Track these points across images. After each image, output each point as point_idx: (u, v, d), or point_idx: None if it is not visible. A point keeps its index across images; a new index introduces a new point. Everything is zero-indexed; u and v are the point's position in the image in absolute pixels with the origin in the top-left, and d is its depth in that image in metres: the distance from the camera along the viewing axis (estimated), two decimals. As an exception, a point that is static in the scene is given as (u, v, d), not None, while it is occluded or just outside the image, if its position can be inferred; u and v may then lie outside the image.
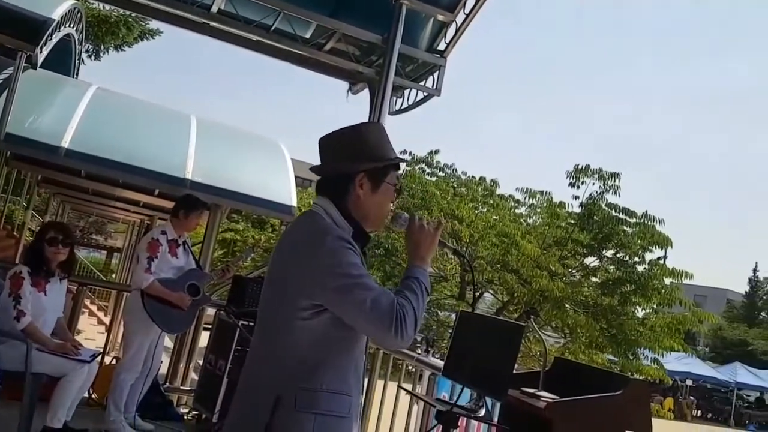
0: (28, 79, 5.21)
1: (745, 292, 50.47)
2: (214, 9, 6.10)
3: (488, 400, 3.20)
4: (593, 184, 14.52)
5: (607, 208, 14.28)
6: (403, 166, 2.05)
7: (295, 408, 1.76)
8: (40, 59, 5.00)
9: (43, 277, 4.18)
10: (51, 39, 5.15)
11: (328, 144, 1.98)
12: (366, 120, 6.15)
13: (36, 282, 4.13)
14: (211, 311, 6.35)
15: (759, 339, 40.20)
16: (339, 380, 1.82)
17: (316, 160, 2.01)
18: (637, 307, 14.41)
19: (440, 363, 4.30)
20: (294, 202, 6.62)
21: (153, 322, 4.65)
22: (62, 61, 7.67)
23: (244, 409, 1.88)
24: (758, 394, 32.88)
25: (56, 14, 5.02)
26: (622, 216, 14.08)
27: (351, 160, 1.91)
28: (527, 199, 15.87)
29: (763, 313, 49.73)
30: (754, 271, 50.53)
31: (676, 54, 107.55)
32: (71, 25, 6.37)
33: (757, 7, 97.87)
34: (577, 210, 14.86)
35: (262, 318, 1.94)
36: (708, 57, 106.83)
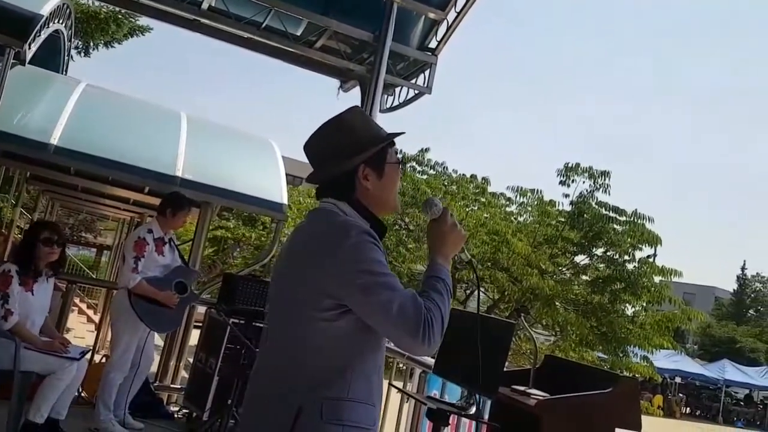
0: (16, 75, 5.16)
1: (734, 290, 50.88)
2: (205, 6, 6.07)
3: (479, 398, 3.21)
4: (583, 182, 14.59)
5: (597, 207, 14.35)
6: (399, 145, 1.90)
7: (321, 419, 1.62)
8: (29, 55, 4.94)
9: (31, 277, 4.16)
10: (40, 35, 5.10)
11: (316, 148, 1.86)
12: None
13: (24, 281, 4.11)
14: (201, 309, 6.34)
15: (747, 336, 40.54)
16: (365, 388, 1.69)
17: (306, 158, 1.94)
18: (627, 305, 14.49)
19: (431, 361, 4.30)
20: (285, 200, 6.60)
21: (141, 321, 4.63)
22: (51, 58, 7.61)
23: (261, 421, 1.73)
24: (747, 392, 33.13)
25: (45, 10, 4.96)
26: (612, 214, 14.14)
27: (346, 156, 1.79)
28: (518, 197, 15.92)
29: (750, 311, 50.16)
30: (742, 269, 51.04)
31: (672, 53, 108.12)
32: (60, 21, 6.31)
33: (757, 7, 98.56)
34: (568, 208, 14.92)
35: (277, 321, 1.80)
36: (706, 56, 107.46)
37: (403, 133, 1.93)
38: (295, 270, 1.76)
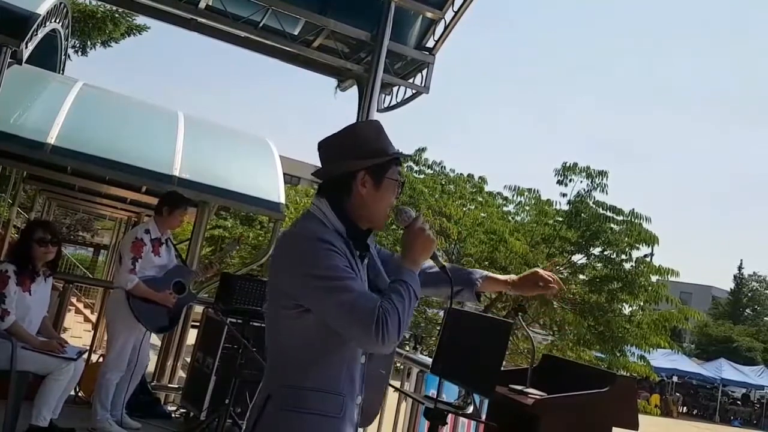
0: (13, 74, 5.15)
1: (730, 289, 50.97)
2: (202, 5, 6.07)
3: (476, 397, 3.21)
4: (581, 182, 14.59)
5: (594, 206, 14.35)
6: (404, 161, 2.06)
7: (283, 406, 1.78)
8: (26, 54, 4.94)
9: (28, 276, 4.15)
10: (36, 34, 5.09)
11: (327, 146, 1.97)
12: (354, 117, 6.16)
13: (21, 281, 4.10)
14: (199, 309, 6.33)
15: (743, 336, 40.64)
16: (328, 379, 1.81)
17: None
18: (624, 304, 14.49)
19: (428, 360, 4.30)
20: (282, 200, 6.60)
21: (139, 322, 4.63)
22: (48, 57, 7.60)
23: (252, 408, 1.91)
24: (744, 391, 33.20)
25: (42, 9, 4.95)
26: (609, 214, 14.14)
27: (351, 158, 1.90)
28: (515, 196, 15.92)
29: (747, 310, 50.28)
30: (739, 268, 51.12)
31: (672, 53, 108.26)
32: (57, 21, 6.30)
33: (758, 6, 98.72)
34: (565, 208, 14.92)
35: (266, 318, 1.96)
36: (705, 57, 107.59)
37: (411, 155, 2.07)
38: (270, 271, 1.94)
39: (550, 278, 2.27)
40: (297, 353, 1.81)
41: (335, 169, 1.93)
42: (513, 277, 2.38)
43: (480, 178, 17.13)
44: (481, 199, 16.80)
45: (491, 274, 2.36)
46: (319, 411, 1.79)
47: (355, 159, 1.90)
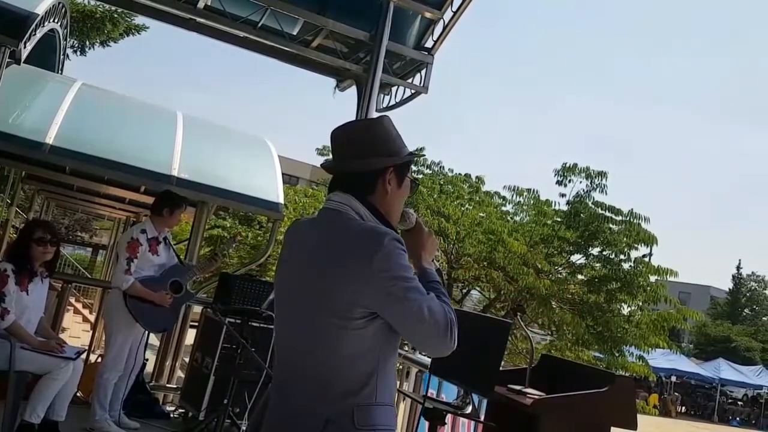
0: (11, 74, 5.14)
1: (729, 289, 50.99)
2: (201, 5, 6.06)
3: (475, 397, 3.21)
4: (580, 182, 14.60)
5: (593, 206, 14.35)
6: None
7: (354, 426, 1.64)
8: (24, 54, 4.93)
9: (26, 276, 4.14)
10: (35, 34, 5.09)
11: (349, 138, 1.86)
12: (353, 117, 6.16)
13: (20, 281, 4.09)
14: (197, 309, 6.33)
15: (742, 336, 40.67)
16: (388, 392, 1.72)
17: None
18: (623, 304, 14.49)
19: (427, 360, 4.30)
20: (281, 200, 6.60)
21: (137, 322, 4.62)
22: (47, 57, 7.59)
23: (289, 429, 1.72)
24: (744, 391, 33.24)
25: (40, 9, 4.95)
26: (608, 214, 14.15)
27: (381, 154, 1.82)
28: (514, 197, 15.92)
29: (746, 310, 50.32)
30: (738, 268, 51.11)
31: (671, 52, 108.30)
32: (56, 20, 6.29)
33: (756, 7, 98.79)
34: (564, 208, 14.92)
35: (300, 331, 1.75)
36: (705, 56, 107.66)
37: (420, 155, 2.04)
38: (323, 278, 1.71)
39: None
40: (361, 366, 1.67)
41: (361, 165, 1.81)
42: None
43: (477, 178, 17.15)
44: (478, 198, 16.80)
45: None
46: (387, 426, 1.69)
47: (385, 155, 1.82)
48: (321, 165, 1.99)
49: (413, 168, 17.47)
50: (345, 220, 1.76)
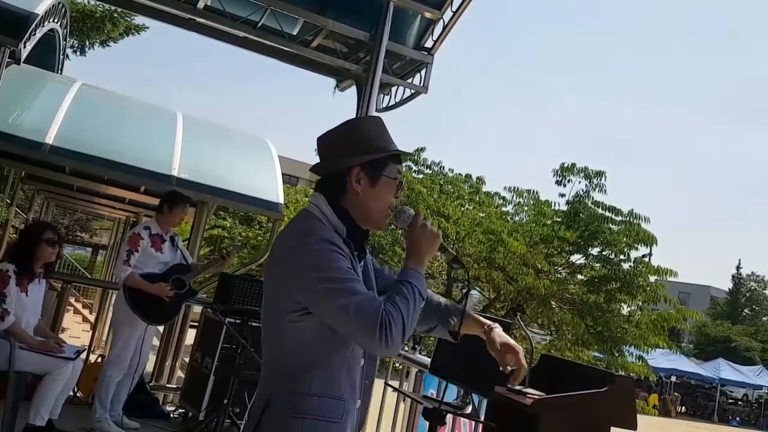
0: (11, 74, 5.15)
1: (729, 289, 50.98)
2: (201, 5, 6.07)
3: (475, 397, 3.21)
4: (579, 182, 14.60)
5: (593, 206, 14.36)
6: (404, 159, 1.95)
7: (284, 412, 1.73)
8: (24, 54, 4.94)
9: (27, 277, 4.15)
10: (35, 34, 5.09)
11: (325, 141, 1.91)
12: (353, 117, 6.16)
13: (20, 281, 4.10)
14: (197, 309, 6.33)
15: (742, 336, 40.66)
16: (329, 384, 1.76)
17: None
18: (623, 304, 14.49)
19: (427, 360, 4.30)
20: (281, 200, 6.60)
21: (134, 313, 4.63)
22: (46, 57, 7.59)
23: (249, 415, 1.87)
24: (743, 391, 33.26)
25: (40, 9, 4.95)
26: (607, 214, 14.15)
27: (345, 154, 1.84)
28: (515, 197, 15.93)
29: (746, 310, 50.31)
30: (737, 268, 51.09)
31: (671, 52, 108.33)
32: (55, 20, 6.30)
33: (756, 7, 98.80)
34: (564, 208, 14.93)
35: (262, 321, 1.89)
36: (704, 56, 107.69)
37: (411, 153, 2.01)
38: (269, 272, 1.85)
39: (517, 365, 1.99)
40: (298, 357, 1.76)
41: (330, 165, 1.88)
42: (494, 326, 2.11)
43: (478, 178, 17.15)
44: (478, 198, 16.81)
45: (473, 314, 2.16)
46: (322, 416, 1.74)
47: (351, 155, 1.83)
48: (309, 168, 2.07)
49: (414, 167, 17.50)
50: (299, 220, 1.85)
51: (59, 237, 4.35)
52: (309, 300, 1.72)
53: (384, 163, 1.86)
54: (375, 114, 6.04)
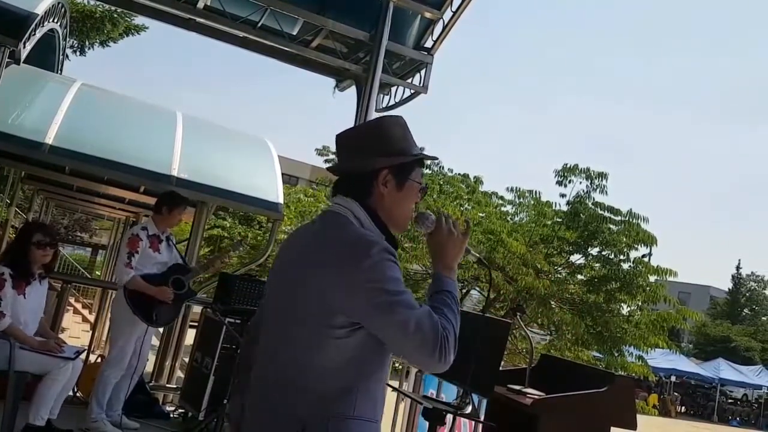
0: (11, 74, 5.15)
1: (729, 289, 50.95)
2: (201, 5, 6.07)
3: (475, 397, 3.21)
4: (580, 182, 14.60)
5: (593, 207, 14.35)
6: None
7: None
8: (24, 54, 4.94)
9: (24, 279, 4.13)
10: (35, 34, 5.09)
11: (348, 140, 1.82)
12: (353, 117, 6.16)
13: (17, 284, 4.08)
14: (197, 309, 6.33)
15: (741, 335, 40.65)
16: (370, 406, 1.66)
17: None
18: (623, 304, 14.48)
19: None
20: (281, 200, 6.60)
21: (136, 315, 4.63)
22: (46, 57, 7.59)
23: (265, 429, 1.69)
24: (743, 391, 33.25)
25: (40, 9, 4.95)
26: (607, 214, 14.15)
27: (374, 155, 1.74)
28: (516, 197, 15.92)
29: (745, 310, 50.27)
30: (737, 268, 51.06)
31: (671, 52, 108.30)
32: (55, 20, 6.30)
33: (756, 6, 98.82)
34: (564, 208, 14.92)
35: (282, 326, 1.71)
36: (705, 56, 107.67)
37: (436, 158, 1.97)
38: (307, 277, 1.67)
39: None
40: (340, 377, 1.61)
41: (356, 166, 1.77)
42: None
43: (475, 178, 17.14)
44: (475, 198, 16.80)
45: None
46: None
47: (379, 156, 1.74)
48: (327, 168, 1.97)
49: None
50: (341, 224, 1.70)
51: (52, 238, 4.31)
52: (364, 314, 1.59)
53: (411, 166, 1.79)
54: (374, 114, 6.04)
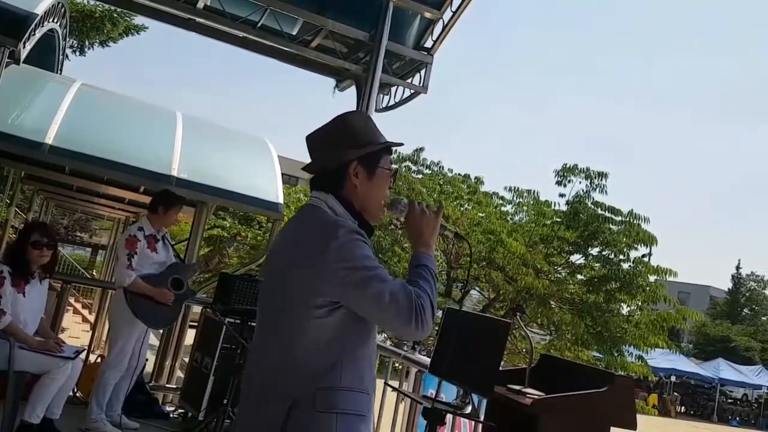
0: (10, 74, 5.15)
1: (728, 289, 50.96)
2: (200, 5, 6.07)
3: (475, 397, 3.21)
4: (579, 182, 14.61)
5: (593, 207, 14.36)
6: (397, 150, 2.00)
7: (314, 408, 1.69)
8: (23, 54, 4.94)
9: (23, 278, 4.13)
10: (34, 34, 5.10)
11: (317, 139, 1.93)
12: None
13: (16, 283, 4.08)
14: (197, 309, 6.33)
15: (741, 335, 40.67)
16: (357, 377, 1.76)
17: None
18: (622, 304, 14.49)
19: (427, 360, 4.30)
20: (280, 199, 6.59)
21: (137, 318, 4.62)
22: (46, 57, 7.59)
23: (254, 415, 1.80)
24: (743, 391, 33.26)
25: (40, 9, 4.95)
26: (607, 214, 14.15)
27: (342, 149, 1.86)
28: (515, 197, 15.92)
29: (745, 310, 50.29)
30: (737, 268, 51.06)
31: (670, 52, 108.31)
32: (55, 20, 6.30)
33: (756, 6, 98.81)
34: (564, 208, 14.93)
35: (268, 319, 1.85)
36: (705, 56, 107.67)
37: (402, 144, 2.05)
38: (286, 269, 1.81)
39: None
40: (322, 356, 1.72)
41: (326, 161, 1.89)
42: None
43: (476, 178, 17.15)
44: (476, 198, 16.80)
45: None
46: (352, 410, 1.74)
47: (346, 149, 1.86)
48: (302, 168, 2.06)
49: (413, 167, 17.49)
50: (314, 216, 1.84)
51: (51, 239, 4.30)
52: (341, 292, 1.71)
53: (379, 155, 1.91)
54: (374, 114, 6.04)
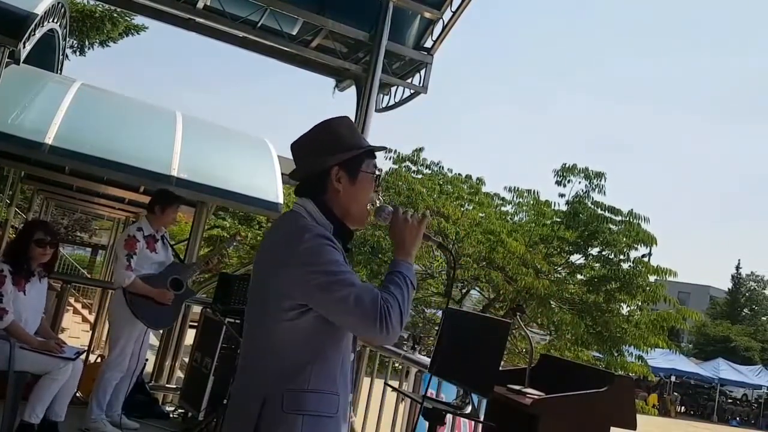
0: (10, 74, 5.15)
1: (728, 289, 50.95)
2: (200, 5, 6.07)
3: (475, 397, 3.21)
4: (579, 182, 14.60)
5: (592, 207, 14.35)
6: (380, 155, 2.02)
7: (282, 409, 1.74)
8: (23, 54, 4.94)
9: (23, 276, 4.13)
10: (34, 34, 5.09)
11: (299, 147, 1.96)
12: (353, 117, 6.17)
13: (17, 281, 4.08)
14: (197, 309, 6.33)
15: (741, 335, 40.67)
16: (326, 379, 1.80)
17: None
18: (622, 304, 14.49)
19: (427, 360, 4.30)
20: (280, 199, 6.59)
21: (137, 319, 4.62)
22: (46, 57, 7.59)
23: (234, 414, 1.87)
24: (743, 391, 33.27)
25: (40, 9, 4.95)
26: (607, 214, 14.15)
27: (324, 154, 1.89)
28: (515, 197, 15.92)
29: (745, 310, 50.27)
30: (737, 268, 51.04)
31: (670, 52, 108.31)
32: (55, 20, 6.30)
33: (753, 6, 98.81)
34: (564, 208, 14.92)
35: (248, 321, 1.91)
36: (705, 55, 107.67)
37: (384, 148, 2.07)
38: (261, 274, 1.87)
39: None
40: (293, 356, 1.77)
41: (309, 168, 1.92)
42: None
43: (477, 179, 17.13)
44: (477, 199, 16.79)
45: None
46: (319, 412, 1.78)
47: (328, 154, 1.89)
48: (287, 175, 2.12)
49: (413, 168, 17.48)
50: (287, 220, 1.90)
51: (53, 237, 4.30)
52: (307, 295, 1.75)
53: (360, 159, 1.92)
54: (374, 114, 6.04)
